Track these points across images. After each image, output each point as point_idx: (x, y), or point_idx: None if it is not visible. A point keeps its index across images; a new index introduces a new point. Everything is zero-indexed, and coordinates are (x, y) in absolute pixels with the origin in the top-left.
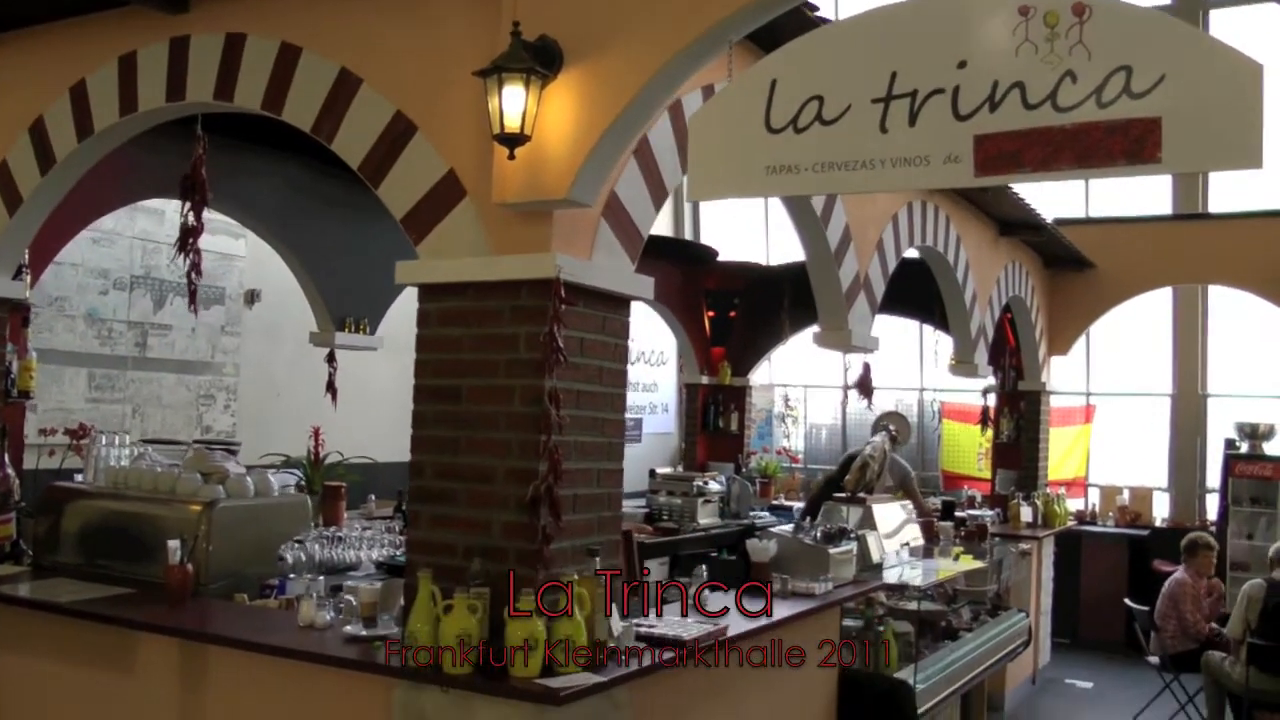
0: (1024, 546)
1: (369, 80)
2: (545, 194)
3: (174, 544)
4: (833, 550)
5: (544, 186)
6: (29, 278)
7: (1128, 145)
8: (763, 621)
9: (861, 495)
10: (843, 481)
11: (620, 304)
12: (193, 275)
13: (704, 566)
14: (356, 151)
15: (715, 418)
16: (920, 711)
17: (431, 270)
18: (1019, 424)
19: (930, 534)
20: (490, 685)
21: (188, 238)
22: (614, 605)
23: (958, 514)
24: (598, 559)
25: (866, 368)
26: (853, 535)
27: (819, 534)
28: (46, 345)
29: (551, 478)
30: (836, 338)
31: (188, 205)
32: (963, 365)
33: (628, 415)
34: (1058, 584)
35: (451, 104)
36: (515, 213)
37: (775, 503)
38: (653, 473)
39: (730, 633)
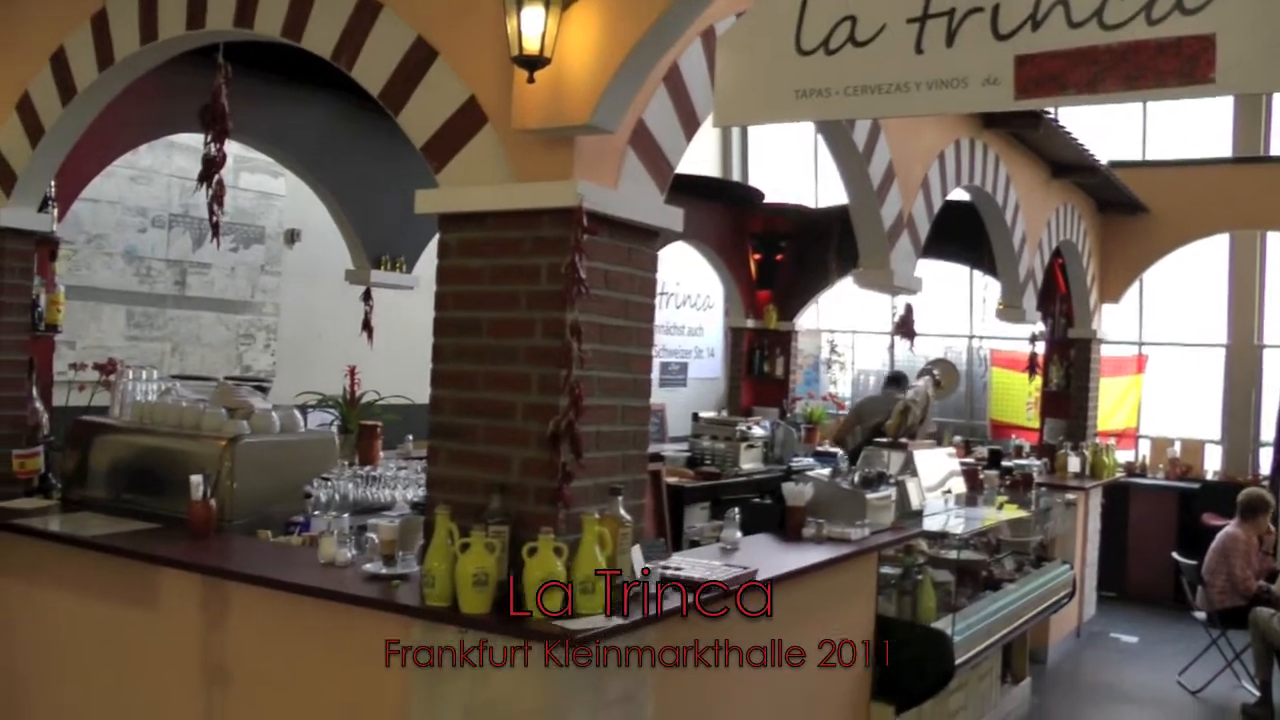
0: (1070, 497)
1: (389, 4)
2: (567, 119)
3: (196, 479)
4: (870, 495)
5: (565, 112)
6: (55, 210)
7: (1179, 65)
8: (794, 566)
9: (903, 440)
10: (884, 426)
11: (648, 236)
12: (214, 207)
13: (736, 510)
14: (377, 78)
15: (760, 362)
16: (958, 662)
17: (451, 199)
18: (1068, 372)
19: (974, 483)
20: (506, 626)
21: (210, 169)
22: (638, 547)
23: (1004, 463)
24: (620, 498)
25: (909, 309)
26: (892, 481)
27: (857, 478)
28: (85, 283)
29: (572, 413)
30: (878, 277)
31: (209, 136)
32: (1010, 310)
33: (673, 359)
34: (1105, 537)
35: (474, 28)
36: (537, 140)
37: (820, 449)
38: (696, 417)
39: (760, 577)
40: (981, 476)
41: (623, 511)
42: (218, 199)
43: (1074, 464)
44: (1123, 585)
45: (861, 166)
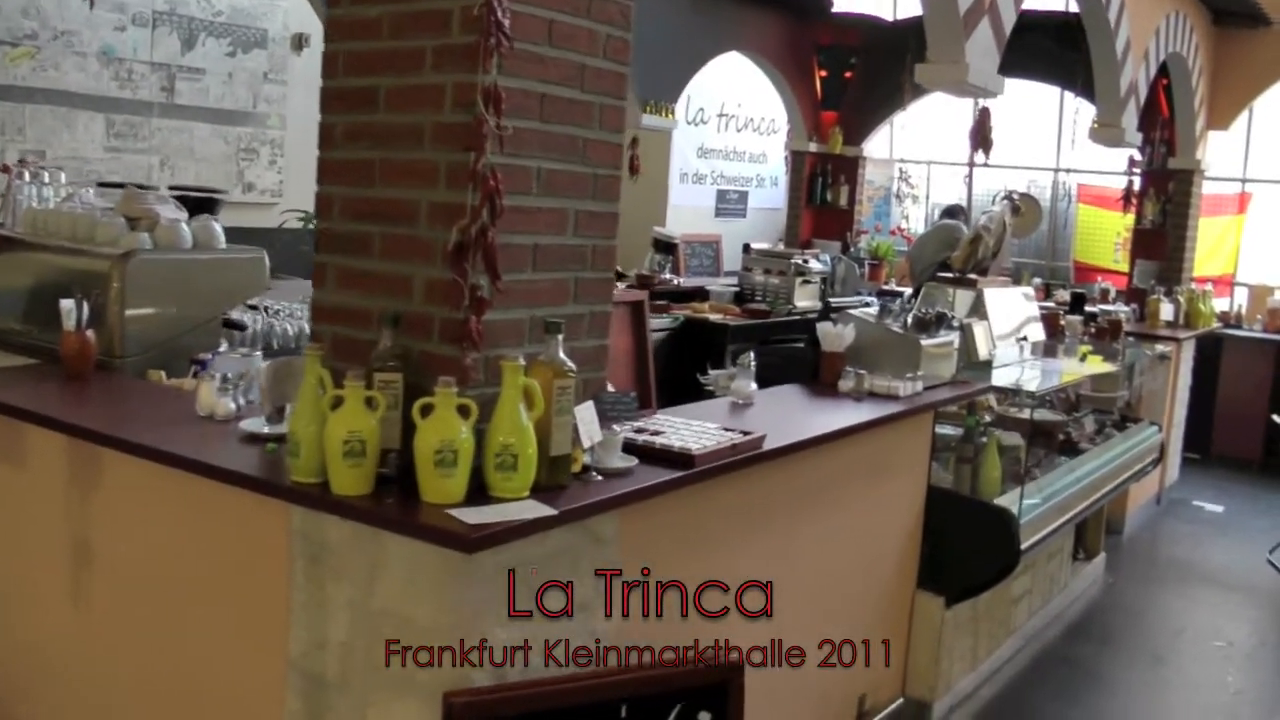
0: (1162, 349)
1: None
2: None
3: (67, 305)
4: (927, 341)
5: None
6: None
7: None
8: (820, 430)
9: (972, 276)
10: (949, 259)
11: None
12: None
13: (751, 355)
14: None
15: (823, 190)
16: (1025, 546)
17: None
18: (1165, 208)
19: (1054, 329)
20: (384, 515)
21: None
22: (590, 404)
23: (1088, 309)
24: (560, 337)
25: (985, 114)
26: (956, 324)
27: (910, 320)
28: (54, 85)
29: (486, 215)
30: (949, 73)
31: None
32: (1106, 130)
33: (731, 187)
34: (1193, 392)
35: None
36: None
37: (885, 287)
38: (747, 248)
39: (771, 444)
40: (1063, 323)
41: (563, 356)
42: None
43: (1167, 311)
44: (1207, 447)
45: None
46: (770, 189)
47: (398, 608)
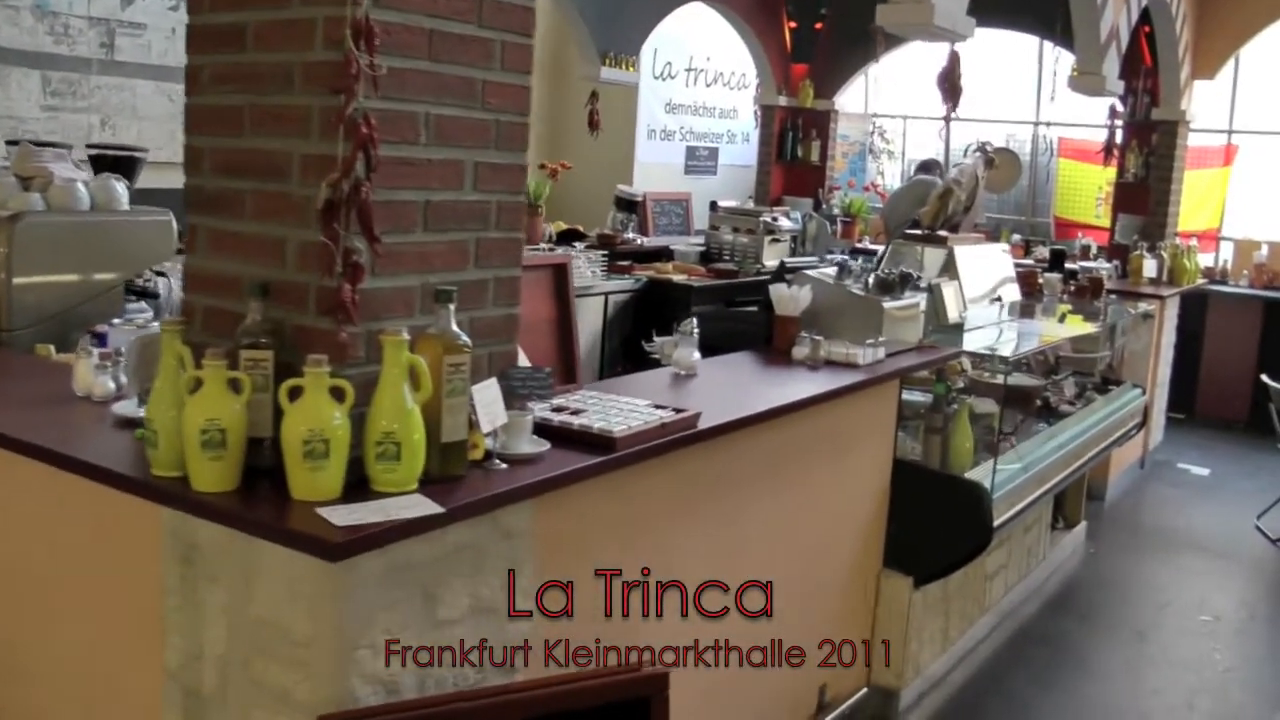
0: (1146, 307)
1: None
2: None
3: None
4: (890, 304)
5: None
6: None
7: None
8: (763, 405)
9: (943, 233)
10: (917, 215)
11: None
12: None
13: (693, 322)
14: None
15: (794, 145)
16: (999, 522)
17: None
18: (1148, 161)
19: (1032, 288)
20: (243, 514)
21: None
22: (493, 382)
23: (1068, 266)
24: (452, 306)
25: (954, 58)
26: (921, 284)
27: (872, 280)
28: None
29: (360, 168)
30: (913, 13)
31: None
32: (1087, 78)
33: (701, 144)
34: (1177, 350)
35: None
36: None
37: (858, 245)
38: (714, 205)
39: (708, 422)
40: (1041, 281)
41: (456, 328)
42: None
43: (1150, 268)
44: (1192, 406)
45: None
46: (742, 145)
47: (275, 617)
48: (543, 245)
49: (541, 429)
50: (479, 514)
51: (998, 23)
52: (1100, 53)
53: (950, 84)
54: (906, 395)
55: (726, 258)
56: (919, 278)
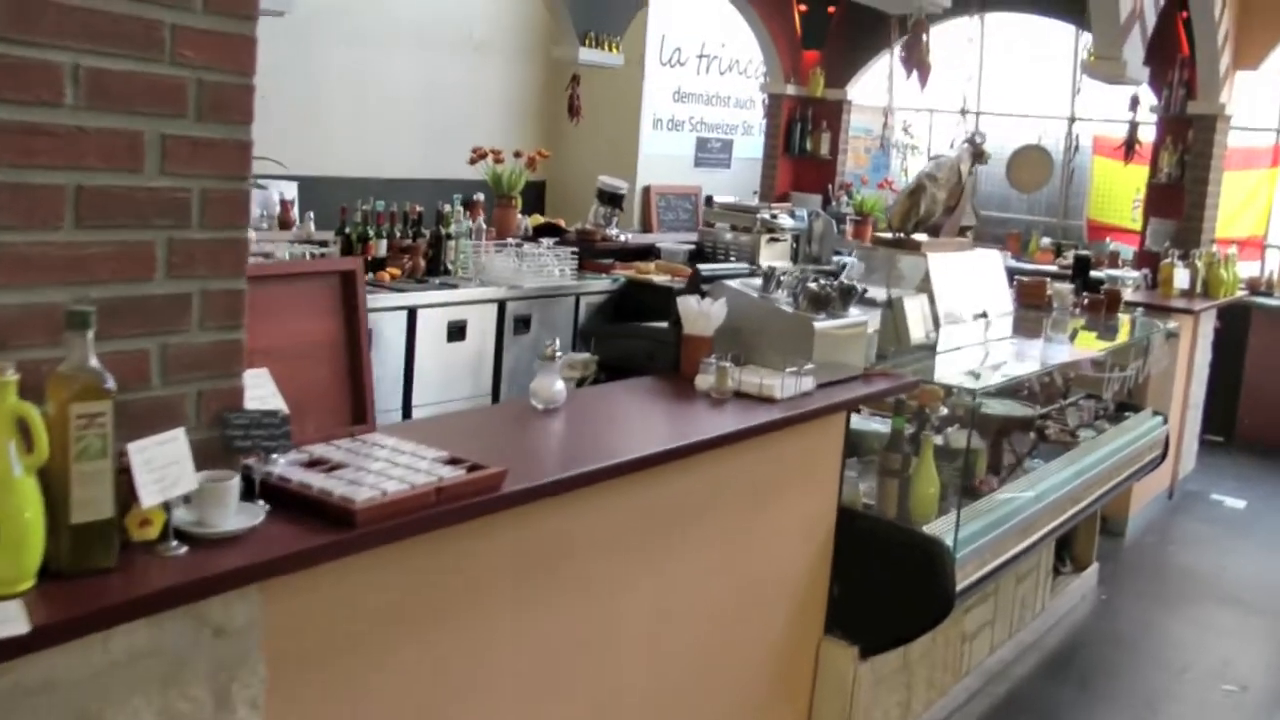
0: (1171, 325)
1: None
2: None
3: None
4: (825, 324)
5: None
6: None
7: None
8: (627, 455)
9: (917, 238)
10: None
11: None
12: None
13: (555, 343)
14: None
15: (802, 138)
16: (964, 586)
17: None
18: (1183, 160)
19: (1039, 299)
20: None
21: None
22: (180, 433)
23: (1093, 274)
24: (89, 332)
25: (919, 27)
26: (873, 298)
27: (805, 293)
28: None
29: None
30: None
31: None
32: (1104, 62)
33: (714, 136)
34: (1216, 368)
35: None
36: None
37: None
38: (710, 201)
39: (528, 480)
40: (1049, 292)
41: (96, 362)
42: None
43: (1182, 278)
44: (1231, 430)
45: None
46: (758, 137)
47: None
48: (510, 241)
49: (276, 492)
50: (130, 619)
51: (1027, 8)
52: (1121, 35)
53: (917, 59)
54: (873, 425)
55: (722, 257)
56: (864, 290)
